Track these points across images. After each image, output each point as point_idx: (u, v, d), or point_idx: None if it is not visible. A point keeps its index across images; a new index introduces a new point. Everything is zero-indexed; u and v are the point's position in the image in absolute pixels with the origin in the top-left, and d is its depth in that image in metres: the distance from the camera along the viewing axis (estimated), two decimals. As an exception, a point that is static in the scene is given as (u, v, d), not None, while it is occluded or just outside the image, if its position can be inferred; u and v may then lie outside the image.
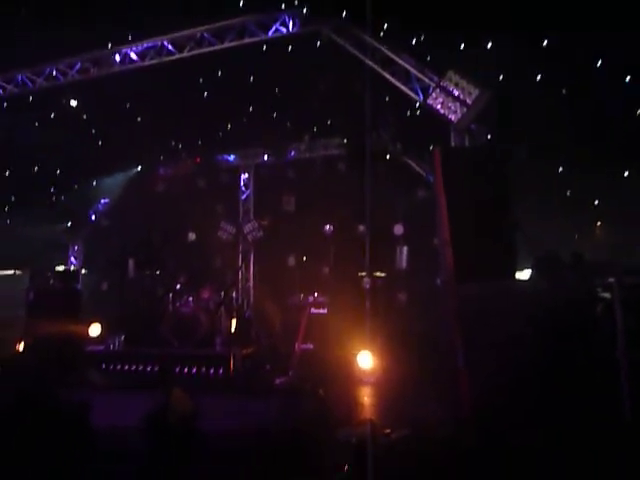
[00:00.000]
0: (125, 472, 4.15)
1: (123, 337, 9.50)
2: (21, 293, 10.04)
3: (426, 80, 7.77)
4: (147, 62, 9.19)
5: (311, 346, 8.88)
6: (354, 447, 4.37)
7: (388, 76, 7.94)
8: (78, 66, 9.50)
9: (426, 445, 4.43)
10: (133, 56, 9.25)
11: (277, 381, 7.93)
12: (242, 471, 4.00)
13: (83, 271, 12.98)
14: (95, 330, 10.41)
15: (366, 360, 8.27)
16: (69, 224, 13.87)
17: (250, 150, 12.57)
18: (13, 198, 13.39)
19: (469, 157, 6.77)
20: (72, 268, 13.22)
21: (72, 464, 4.12)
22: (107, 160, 12.47)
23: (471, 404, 4.93)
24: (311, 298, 9.65)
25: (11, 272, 13.67)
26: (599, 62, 8.23)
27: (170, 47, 9.05)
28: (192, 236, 12.23)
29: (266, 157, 12.41)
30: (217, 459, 4.27)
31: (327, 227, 11.33)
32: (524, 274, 7.58)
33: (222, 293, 9.99)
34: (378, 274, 10.10)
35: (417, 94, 7.85)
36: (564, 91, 8.70)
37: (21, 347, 9.67)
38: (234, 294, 10.44)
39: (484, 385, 4.92)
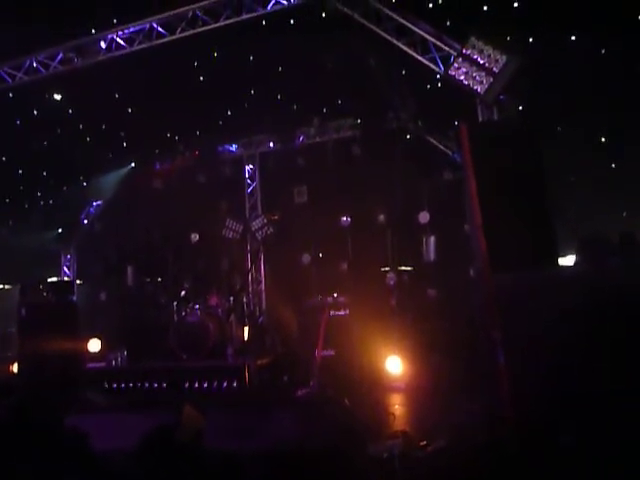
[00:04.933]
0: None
1: (125, 352, 9.66)
2: (12, 309, 10.22)
3: (446, 49, 7.75)
4: (136, 47, 9.29)
5: (333, 352, 8.92)
6: (387, 462, 4.40)
7: (404, 47, 7.92)
8: (60, 56, 9.63)
9: (466, 454, 4.45)
10: (120, 42, 9.36)
11: (298, 393, 7.99)
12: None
13: (78, 282, 13.16)
14: (95, 346, 10.59)
15: (395, 365, 8.30)
16: (59, 231, 14.05)
17: (254, 138, 12.63)
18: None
19: (499, 132, 6.75)
20: (66, 279, 13.41)
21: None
22: (97, 157, 12.63)
23: (513, 405, 4.94)
24: (330, 299, 9.66)
25: (0, 287, 13.95)
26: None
27: (160, 29, 9.14)
28: (195, 237, 12.33)
29: (272, 144, 12.48)
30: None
31: (344, 219, 11.34)
32: (568, 260, 7.54)
33: (231, 298, 10.08)
34: (403, 268, 10.13)
35: (437, 65, 7.83)
36: (603, 51, 8.61)
37: (15, 368, 9.86)
38: (245, 299, 10.53)
39: (527, 384, 4.92)
